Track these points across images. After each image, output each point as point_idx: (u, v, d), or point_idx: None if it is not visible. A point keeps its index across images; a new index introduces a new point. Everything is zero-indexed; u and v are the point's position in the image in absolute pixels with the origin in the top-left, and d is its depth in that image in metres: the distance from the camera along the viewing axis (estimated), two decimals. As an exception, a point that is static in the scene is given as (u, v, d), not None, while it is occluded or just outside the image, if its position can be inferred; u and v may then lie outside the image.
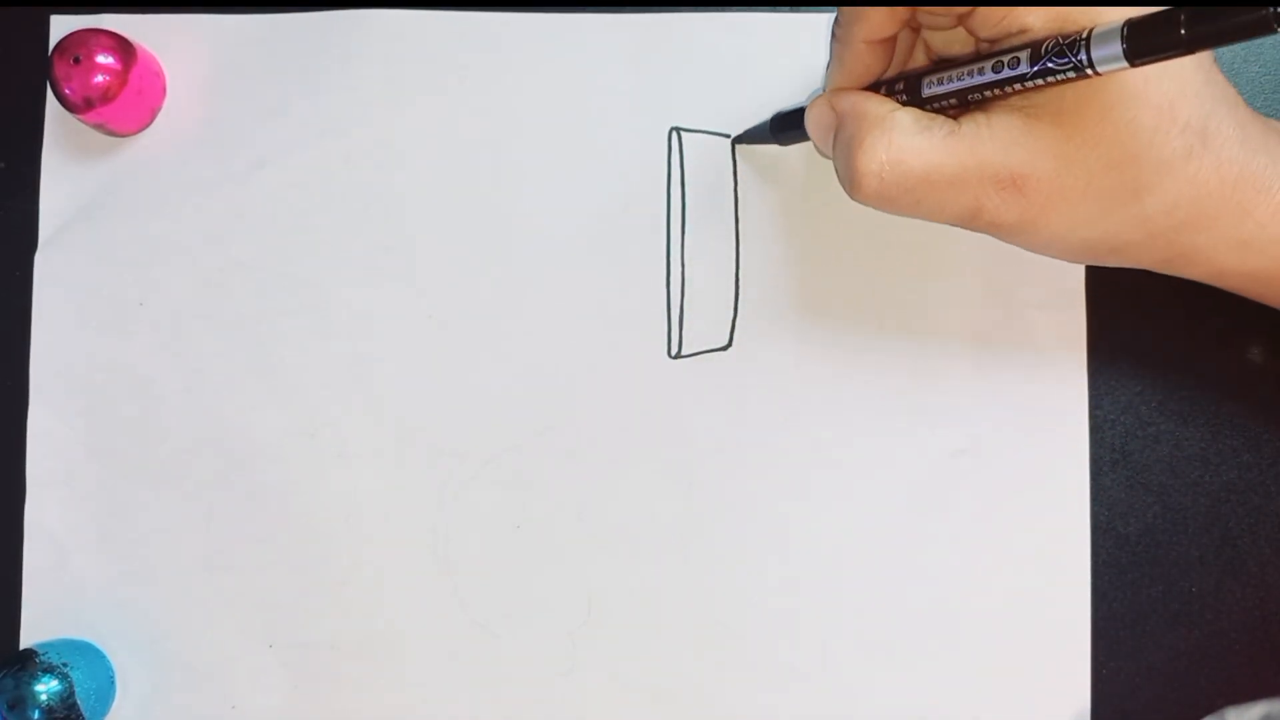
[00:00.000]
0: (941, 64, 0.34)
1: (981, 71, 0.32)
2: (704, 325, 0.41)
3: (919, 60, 0.37)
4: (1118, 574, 0.40)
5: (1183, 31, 0.27)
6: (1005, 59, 0.32)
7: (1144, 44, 0.28)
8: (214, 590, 0.42)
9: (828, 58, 0.37)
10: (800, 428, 0.41)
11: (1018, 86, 0.32)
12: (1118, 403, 0.41)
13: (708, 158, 0.42)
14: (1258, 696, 0.38)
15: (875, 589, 0.41)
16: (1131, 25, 0.29)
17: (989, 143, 0.32)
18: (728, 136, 0.41)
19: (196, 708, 0.42)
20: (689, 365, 0.41)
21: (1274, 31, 0.26)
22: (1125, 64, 0.29)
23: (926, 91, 0.34)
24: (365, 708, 0.41)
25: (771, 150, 0.41)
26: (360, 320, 0.42)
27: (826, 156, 0.36)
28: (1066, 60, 0.30)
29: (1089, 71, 0.30)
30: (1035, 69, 0.31)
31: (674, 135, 0.42)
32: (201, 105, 0.43)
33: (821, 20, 0.41)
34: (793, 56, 0.41)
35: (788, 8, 0.42)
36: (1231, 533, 0.40)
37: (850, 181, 0.33)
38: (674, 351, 0.41)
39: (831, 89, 0.36)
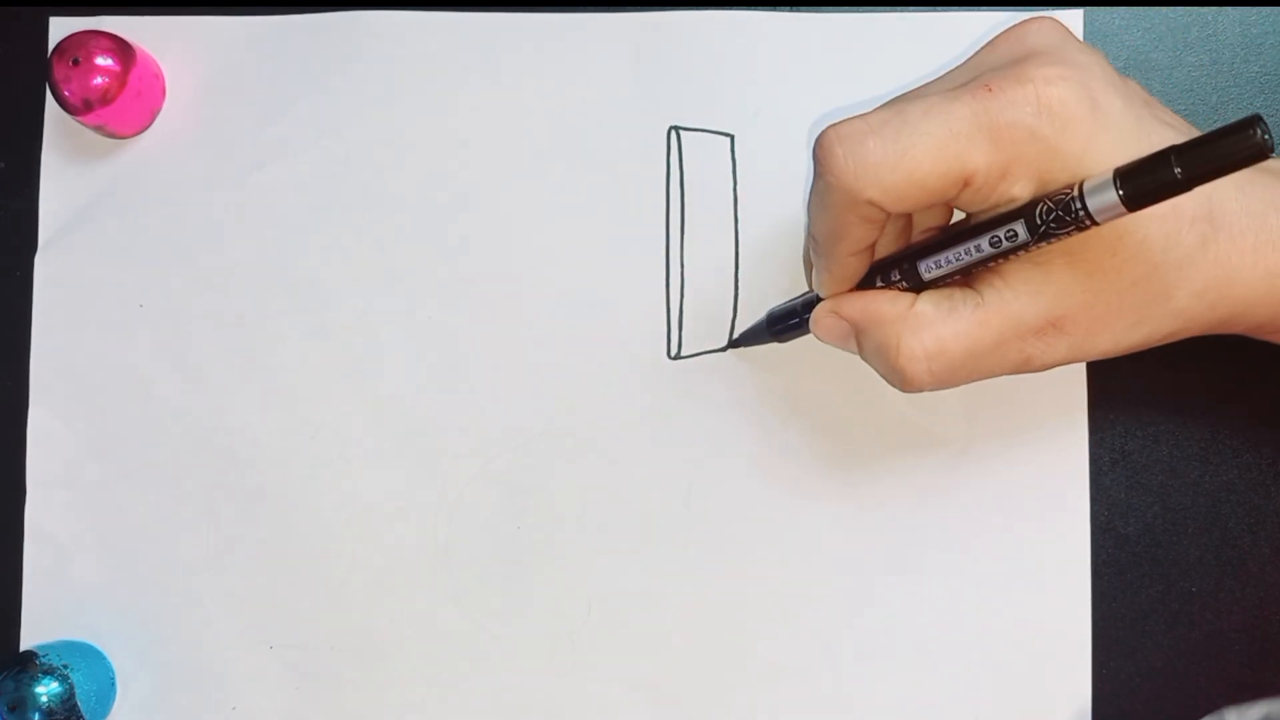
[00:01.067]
0: (932, 245, 0.34)
1: (980, 249, 0.32)
2: (704, 326, 0.41)
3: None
4: (1118, 574, 0.40)
5: (1177, 171, 0.27)
6: (1002, 233, 0.31)
7: (1140, 190, 0.28)
8: (214, 591, 0.42)
9: (809, 262, 0.37)
10: (800, 428, 0.41)
11: (1021, 253, 0.31)
12: (1118, 403, 0.41)
13: (707, 157, 0.41)
14: (1258, 696, 0.38)
15: (875, 589, 0.41)
16: (1122, 174, 0.28)
17: (1014, 303, 0.32)
18: (728, 136, 0.41)
19: (197, 709, 0.42)
20: (689, 366, 0.41)
21: (1269, 154, 0.26)
22: (1124, 210, 0.29)
23: (926, 276, 0.34)
24: (365, 708, 0.41)
25: (772, 151, 0.41)
26: (360, 321, 0.42)
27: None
28: (1066, 221, 0.30)
29: (1089, 225, 0.30)
30: (1036, 236, 0.30)
31: (673, 135, 0.42)
32: (201, 107, 0.43)
33: (821, 20, 0.41)
34: (793, 56, 0.41)
35: (787, 8, 0.42)
36: (1231, 533, 0.40)
37: (901, 383, 0.34)
38: (674, 352, 0.41)
39: (828, 295, 0.36)
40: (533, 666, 0.41)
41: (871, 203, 0.31)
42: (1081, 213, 0.29)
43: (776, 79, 0.41)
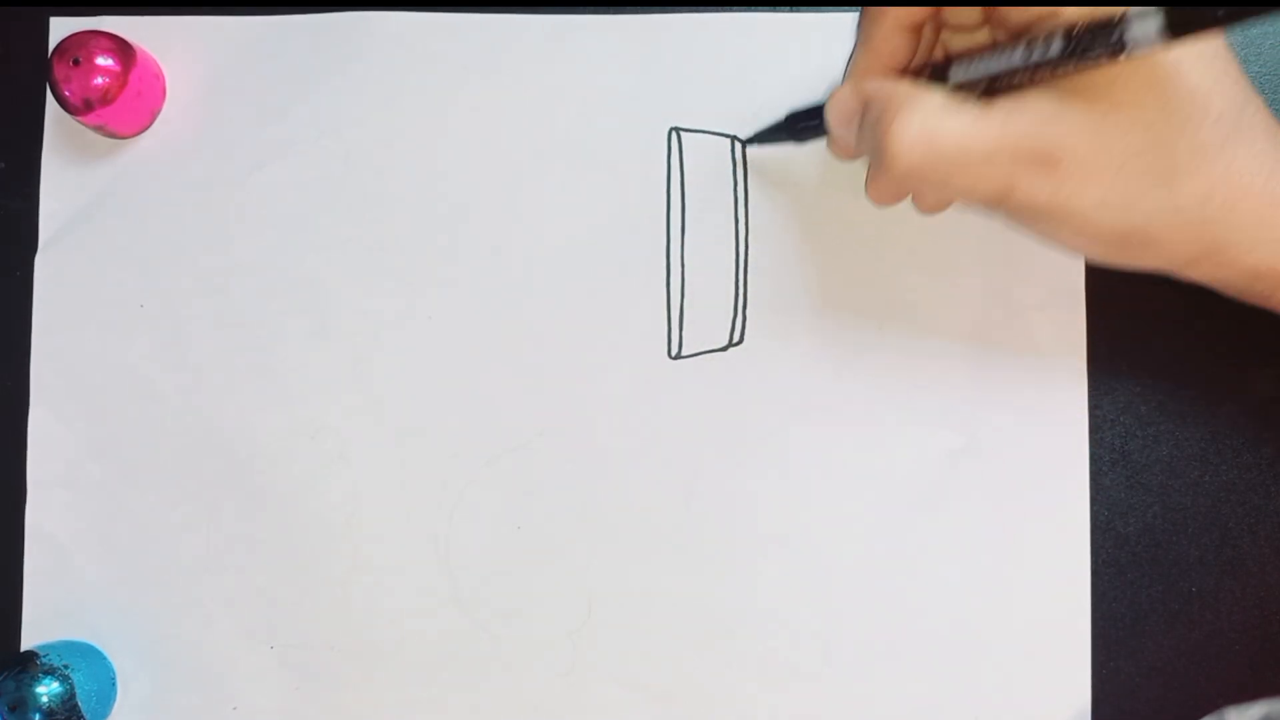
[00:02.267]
0: (965, 54, 0.34)
1: (1012, 54, 0.32)
2: (704, 326, 0.41)
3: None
4: (1118, 574, 0.40)
5: (1219, 13, 0.28)
6: (1038, 42, 0.31)
7: (1182, 20, 0.28)
8: (215, 591, 0.42)
9: (852, 47, 0.36)
10: (800, 428, 0.41)
11: (1049, 71, 0.31)
12: (1118, 403, 0.41)
13: (708, 158, 0.41)
14: (1258, 696, 0.38)
15: (875, 589, 0.41)
16: (1169, 6, 0.29)
17: (1021, 120, 0.31)
18: (728, 137, 0.41)
19: (197, 709, 0.42)
20: (689, 366, 0.41)
21: None
22: (1160, 42, 0.29)
23: (954, 78, 0.33)
24: (365, 708, 0.41)
25: (772, 152, 0.41)
26: (361, 321, 0.42)
27: (841, 155, 0.36)
28: (1102, 41, 0.30)
29: (1123, 53, 0.30)
30: (1068, 50, 0.30)
31: (674, 135, 0.42)
32: (201, 107, 0.43)
33: (821, 20, 0.41)
34: (793, 56, 0.41)
35: (787, 8, 0.42)
36: (1231, 533, 0.40)
37: (880, 160, 0.33)
38: (674, 352, 0.41)
39: (856, 74, 0.36)
40: (533, 666, 0.41)
41: None
42: (1118, 36, 0.29)
43: (776, 79, 0.41)
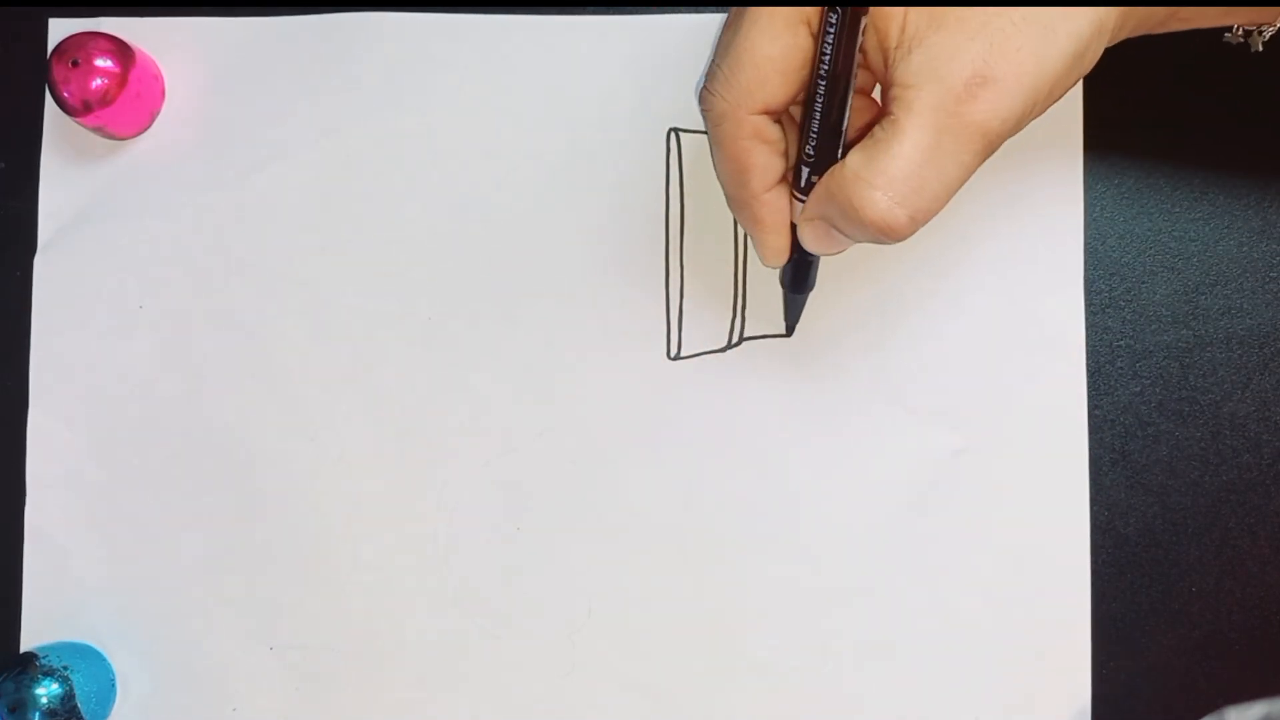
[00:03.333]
0: (800, 127, 0.35)
1: (822, 72, 0.33)
2: (704, 326, 0.41)
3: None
4: (1118, 574, 0.40)
5: None
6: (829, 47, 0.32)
7: None
8: (214, 592, 0.42)
9: (749, 233, 0.38)
10: (799, 428, 0.41)
11: (843, 59, 0.32)
12: (1117, 403, 0.41)
13: (707, 158, 0.41)
14: (1258, 696, 0.38)
15: (875, 589, 0.41)
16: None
17: (923, 91, 0.32)
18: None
19: (197, 710, 0.42)
20: (688, 367, 0.41)
21: None
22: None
23: (812, 131, 0.34)
24: (365, 710, 0.41)
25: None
26: (360, 322, 0.42)
27: (837, 250, 0.36)
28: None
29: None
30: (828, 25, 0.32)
31: (673, 136, 0.42)
32: (200, 108, 0.43)
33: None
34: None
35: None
36: (1231, 533, 0.40)
37: (884, 233, 0.33)
38: (673, 353, 0.41)
39: (774, 244, 0.37)
40: (533, 667, 0.41)
41: (754, 112, 0.33)
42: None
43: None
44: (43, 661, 0.39)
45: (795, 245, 0.37)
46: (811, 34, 0.33)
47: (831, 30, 0.32)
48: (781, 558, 0.41)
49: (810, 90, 0.34)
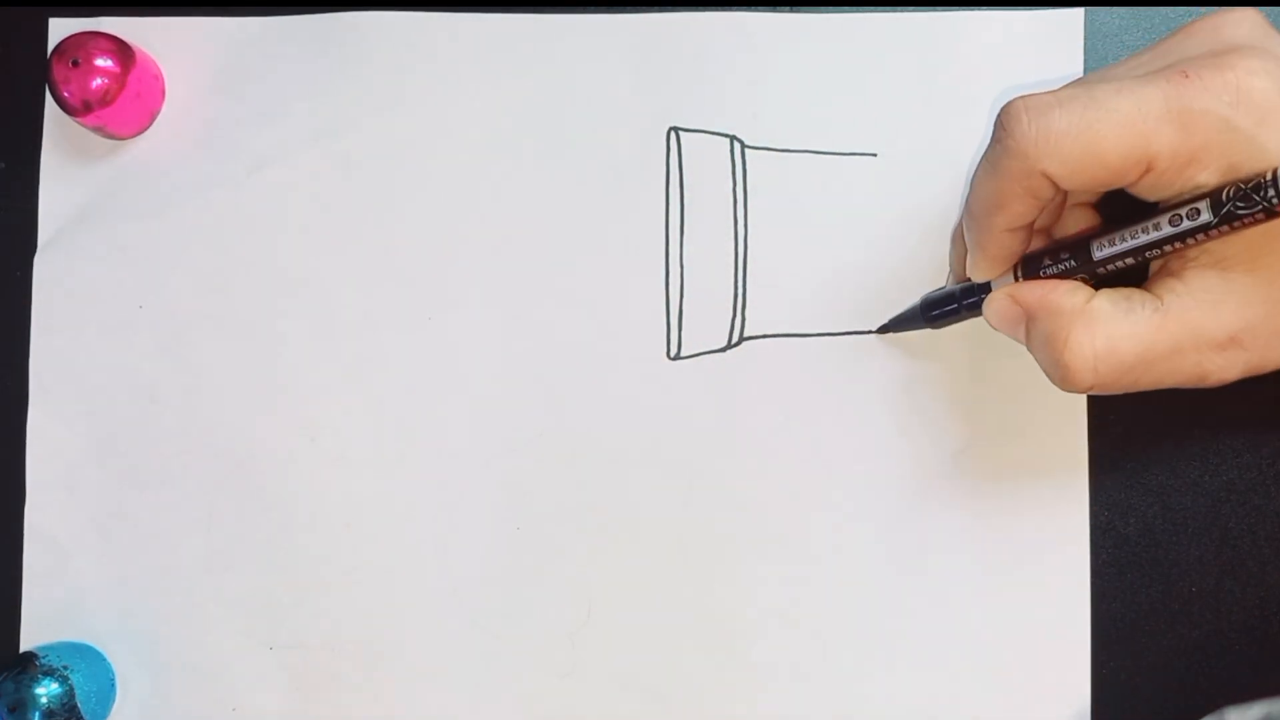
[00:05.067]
0: (1105, 228, 0.33)
1: (1158, 228, 0.31)
2: (704, 326, 0.41)
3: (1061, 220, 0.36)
4: (1118, 574, 0.40)
5: None
6: (1183, 211, 0.31)
7: None
8: (214, 592, 0.42)
9: (960, 241, 0.36)
10: (799, 428, 0.41)
11: (1201, 238, 0.31)
12: (1118, 403, 0.41)
13: (707, 158, 0.41)
14: (1258, 696, 0.38)
15: (875, 589, 0.41)
16: None
17: (1195, 310, 0.32)
18: (727, 137, 0.41)
19: (197, 710, 0.42)
20: (688, 366, 0.41)
21: None
22: None
23: (1098, 254, 0.33)
24: (365, 710, 0.41)
25: (773, 153, 0.41)
26: (360, 322, 0.42)
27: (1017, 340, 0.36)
28: (1255, 200, 0.29)
29: (1278, 207, 0.29)
30: (1219, 217, 0.30)
31: (673, 135, 0.42)
32: (200, 108, 0.43)
33: (821, 20, 0.41)
34: (793, 56, 0.41)
35: (788, 8, 0.42)
36: (1231, 533, 0.40)
37: (1063, 379, 0.33)
38: (673, 353, 0.41)
39: (979, 277, 0.36)
40: (533, 667, 0.41)
41: (1046, 174, 0.31)
42: (1272, 194, 0.29)
43: (776, 79, 0.41)
44: (42, 661, 0.39)
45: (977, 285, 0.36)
46: (1142, 176, 0.31)
47: (1232, 211, 0.30)
48: (781, 557, 0.41)
49: (1140, 224, 0.32)
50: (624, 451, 0.41)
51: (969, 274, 0.37)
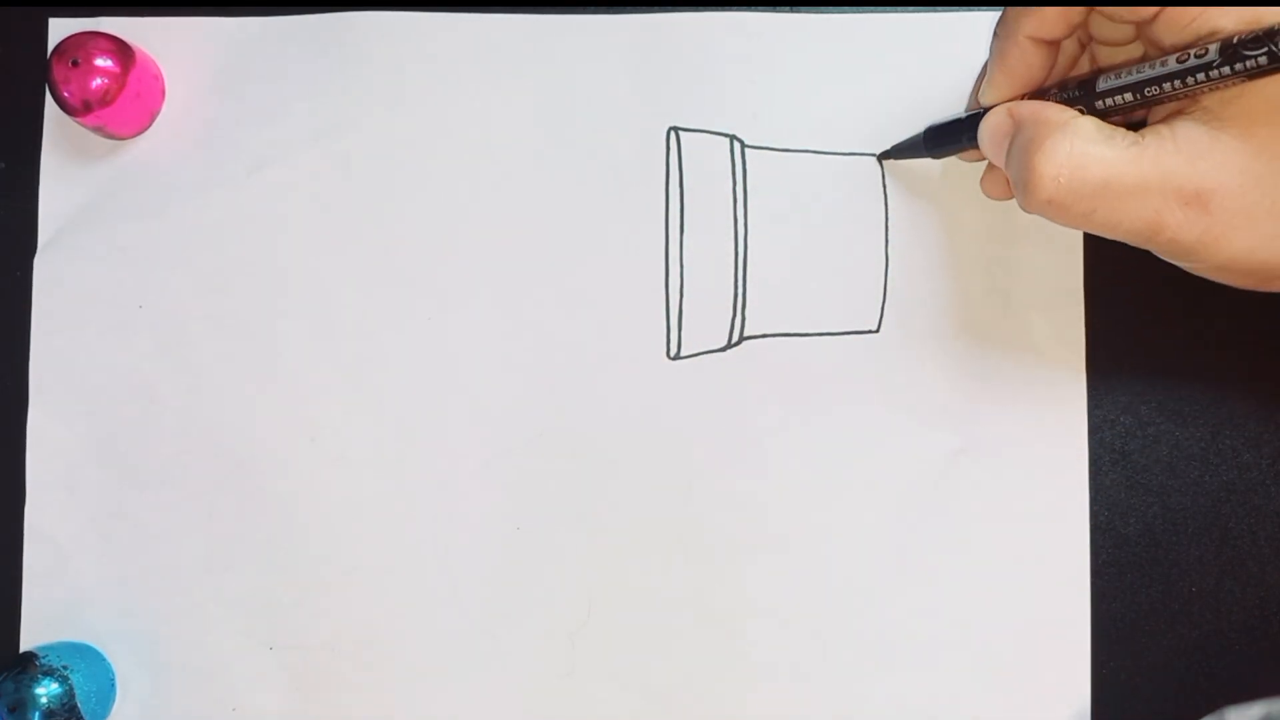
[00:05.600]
0: (1113, 67, 0.33)
1: (1164, 64, 0.31)
2: (704, 326, 0.41)
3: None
4: (1118, 574, 0.40)
5: None
6: (1192, 50, 0.30)
7: None
8: (214, 592, 0.42)
9: (987, 57, 0.36)
10: (799, 428, 0.41)
11: (1203, 78, 0.30)
12: (1117, 403, 0.41)
13: (707, 158, 0.41)
14: (1258, 696, 0.38)
15: (875, 589, 0.41)
16: None
17: (1174, 154, 0.31)
18: (727, 136, 0.41)
19: (197, 710, 0.42)
20: (688, 366, 0.41)
21: None
22: None
23: (1102, 85, 0.33)
24: (365, 710, 0.41)
25: (773, 152, 0.41)
26: (360, 322, 0.42)
27: (991, 192, 0.36)
28: (1261, 46, 0.29)
29: None
30: (1223, 56, 0.29)
31: (673, 135, 0.42)
32: (200, 108, 0.43)
33: (822, 20, 0.41)
34: (793, 56, 0.41)
35: (788, 8, 0.42)
36: (1231, 533, 0.40)
37: (1025, 184, 0.32)
38: (673, 352, 0.41)
39: (995, 97, 0.35)
40: (533, 667, 0.41)
41: None
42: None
43: (776, 79, 0.41)
44: (42, 661, 0.39)
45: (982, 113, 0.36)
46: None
47: (1247, 50, 0.29)
48: (780, 558, 0.41)
49: (1155, 66, 0.32)
50: (624, 451, 0.41)
51: (981, 97, 0.36)
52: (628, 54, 0.42)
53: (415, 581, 0.41)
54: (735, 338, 0.41)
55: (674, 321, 0.41)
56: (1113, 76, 0.33)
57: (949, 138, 0.38)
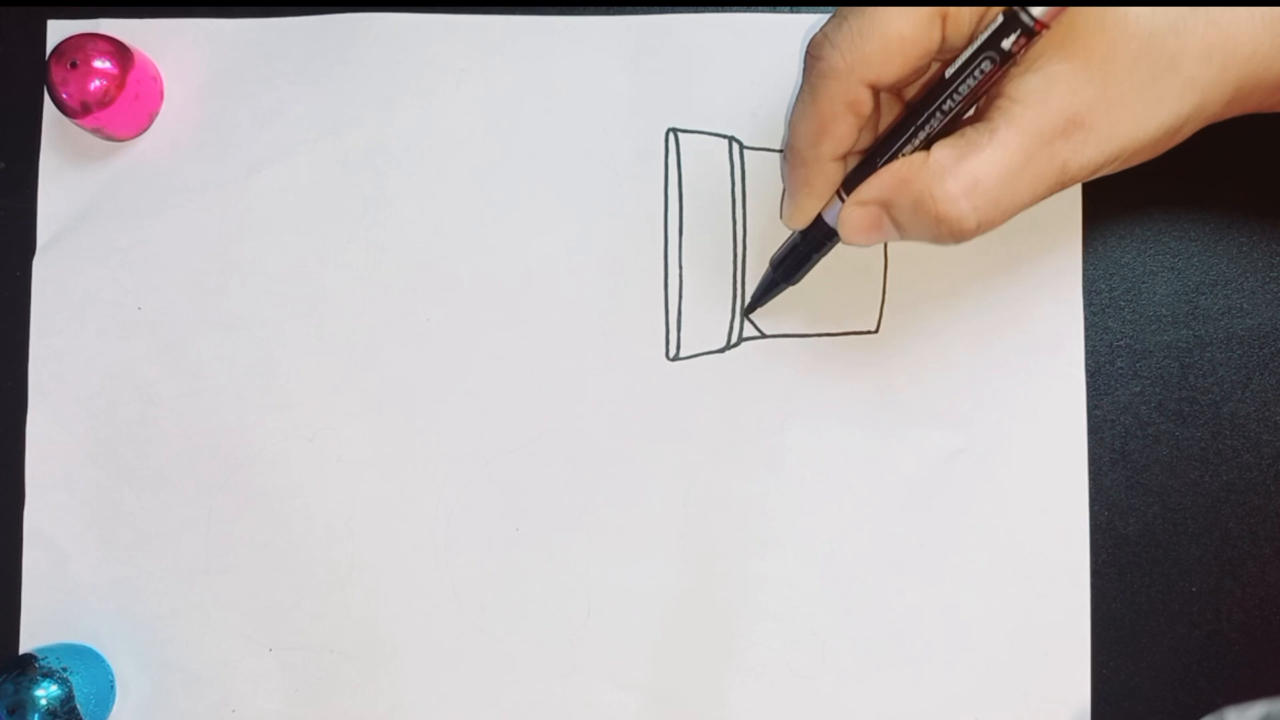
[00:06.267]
0: (912, 107, 0.34)
1: (962, 58, 0.32)
2: (703, 327, 0.41)
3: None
4: (1118, 574, 0.40)
5: None
6: (983, 33, 0.32)
7: None
8: (213, 594, 0.42)
9: (785, 184, 0.37)
10: (798, 428, 0.41)
11: (1007, 49, 0.32)
12: (1117, 403, 0.41)
13: (706, 159, 0.41)
14: (1258, 696, 0.38)
15: (874, 589, 0.41)
16: None
17: (1028, 113, 0.32)
18: (726, 138, 0.41)
19: (196, 711, 0.42)
20: (687, 367, 0.41)
21: None
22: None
23: (920, 123, 0.34)
24: (364, 711, 0.41)
25: (772, 153, 0.41)
26: (358, 323, 0.42)
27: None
28: (1013, 28, 0.31)
29: (1034, 31, 0.31)
30: (1006, 14, 0.31)
31: (672, 136, 0.42)
32: (199, 109, 0.43)
33: (821, 20, 0.41)
34: (792, 56, 0.41)
35: (787, 8, 0.42)
36: (1231, 533, 0.40)
37: (949, 232, 0.33)
38: (672, 353, 0.41)
39: (807, 212, 0.37)
40: (532, 667, 0.41)
41: (864, 82, 0.33)
42: (1023, 19, 0.31)
43: (775, 80, 0.41)
44: (42, 663, 0.39)
45: (814, 225, 0.37)
46: (943, 32, 0.33)
47: (996, 36, 0.31)
48: (780, 558, 0.41)
49: (936, 86, 0.33)
50: (624, 451, 0.41)
51: (793, 223, 0.37)
52: (627, 55, 0.42)
53: (415, 582, 0.41)
54: (735, 338, 0.41)
55: (673, 322, 0.41)
56: (922, 111, 0.33)
57: (799, 261, 0.38)
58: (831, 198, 0.36)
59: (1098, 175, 0.34)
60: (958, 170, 0.32)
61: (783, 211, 0.38)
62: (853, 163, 0.36)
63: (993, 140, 0.32)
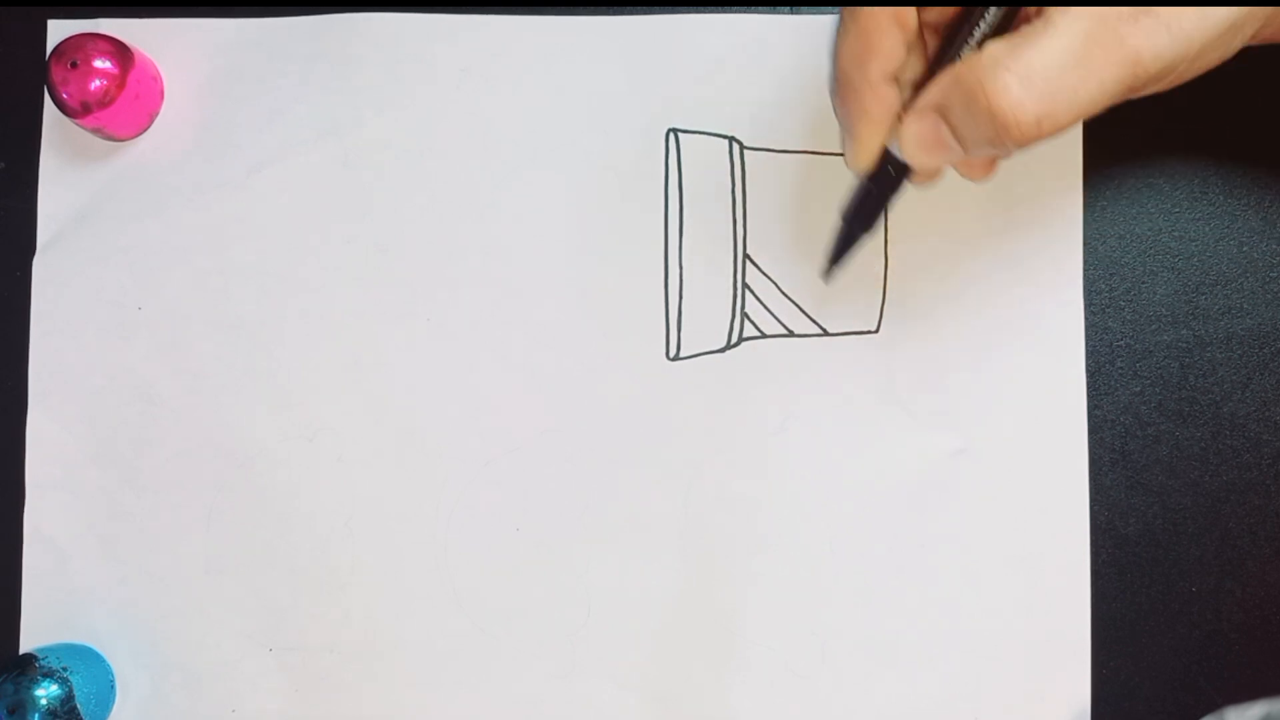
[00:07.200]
0: (966, 15, 0.32)
1: None
2: (703, 326, 0.41)
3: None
4: (1118, 574, 0.40)
5: None
6: None
7: None
8: (214, 594, 0.42)
9: (842, 124, 0.34)
10: (799, 429, 0.41)
11: None
12: (1117, 403, 0.41)
13: (706, 159, 0.41)
14: (1258, 696, 0.38)
15: (874, 589, 0.41)
16: None
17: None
18: (726, 138, 0.41)
19: (196, 711, 0.42)
20: (688, 366, 0.41)
21: None
22: None
23: (969, 28, 0.31)
24: (365, 711, 0.41)
25: (771, 154, 0.41)
26: (359, 323, 0.42)
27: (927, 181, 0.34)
28: None
29: None
30: None
31: (672, 136, 0.42)
32: (199, 109, 0.43)
33: (821, 21, 0.41)
34: (792, 57, 0.41)
35: (787, 8, 0.42)
36: (1231, 533, 0.40)
37: (1007, 130, 0.30)
38: (672, 353, 0.41)
39: (868, 145, 0.34)
40: (533, 667, 0.41)
41: None
42: None
43: (775, 80, 0.41)
44: (42, 663, 0.39)
45: (881, 164, 0.34)
46: None
47: None
48: (780, 558, 0.41)
49: None
50: (624, 451, 0.41)
51: (857, 162, 0.35)
52: (627, 55, 0.42)
53: (415, 582, 0.41)
54: (735, 338, 0.41)
55: (674, 322, 0.41)
56: (976, 17, 0.31)
57: (874, 206, 0.36)
58: (893, 129, 0.33)
59: (1168, 82, 0.31)
60: (1011, 60, 0.29)
61: (845, 154, 0.35)
62: (907, 94, 0.33)
63: (1049, 27, 0.29)
